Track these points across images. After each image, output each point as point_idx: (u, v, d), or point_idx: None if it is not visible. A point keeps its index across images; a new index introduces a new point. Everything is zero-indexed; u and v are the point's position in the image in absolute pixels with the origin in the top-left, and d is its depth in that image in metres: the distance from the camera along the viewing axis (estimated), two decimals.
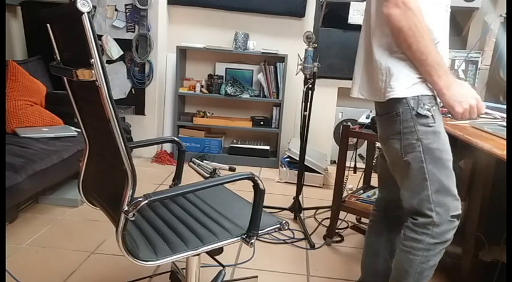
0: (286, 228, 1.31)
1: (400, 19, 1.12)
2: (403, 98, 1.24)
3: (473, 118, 1.23)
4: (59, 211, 2.44)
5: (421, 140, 1.26)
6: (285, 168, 3.28)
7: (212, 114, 3.83)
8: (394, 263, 1.40)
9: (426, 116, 1.23)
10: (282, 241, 2.25)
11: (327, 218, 2.42)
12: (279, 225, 1.29)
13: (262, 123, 3.72)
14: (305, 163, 3.23)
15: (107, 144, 1.10)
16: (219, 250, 1.25)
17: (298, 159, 3.24)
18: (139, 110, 3.64)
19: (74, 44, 1.09)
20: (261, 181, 1.17)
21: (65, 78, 1.22)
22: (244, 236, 1.21)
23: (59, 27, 1.17)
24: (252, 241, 1.20)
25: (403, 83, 1.23)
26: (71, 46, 1.15)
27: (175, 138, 1.65)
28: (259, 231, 1.22)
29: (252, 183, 1.17)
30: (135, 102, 3.61)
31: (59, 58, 1.23)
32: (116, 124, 1.00)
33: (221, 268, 1.56)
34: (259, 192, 1.17)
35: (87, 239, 2.13)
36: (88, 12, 0.92)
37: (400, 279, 1.35)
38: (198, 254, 1.22)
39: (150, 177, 3.19)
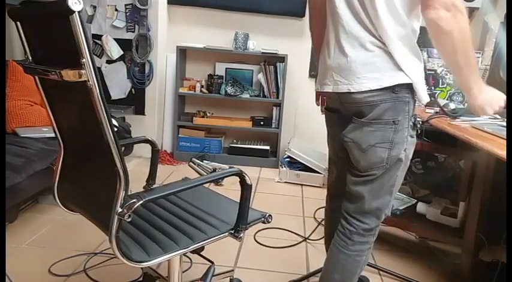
0: (270, 221, 1.34)
1: (450, 23, 1.02)
2: (405, 98, 1.14)
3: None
4: (59, 211, 2.43)
5: (406, 150, 1.22)
6: (285, 168, 3.28)
7: (212, 114, 3.83)
8: (334, 267, 1.33)
9: (416, 127, 1.19)
10: (281, 241, 2.25)
11: None
12: (262, 219, 1.33)
13: (262, 123, 3.72)
14: (305, 163, 3.25)
15: (94, 146, 1.08)
16: (201, 247, 1.25)
17: (298, 159, 3.25)
18: (139, 110, 3.64)
19: (58, 43, 1.04)
20: (248, 177, 1.21)
21: (36, 78, 1.18)
22: (232, 231, 1.24)
23: (38, 26, 1.10)
24: (241, 235, 1.23)
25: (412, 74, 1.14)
26: (52, 45, 1.08)
27: (149, 138, 1.61)
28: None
29: (239, 179, 1.21)
30: (135, 102, 3.61)
31: (30, 58, 1.16)
32: (108, 125, 0.97)
33: (210, 264, 1.58)
34: (246, 187, 1.21)
35: (87, 239, 2.13)
36: (79, 11, 0.89)
37: (346, 281, 1.32)
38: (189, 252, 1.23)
39: None
